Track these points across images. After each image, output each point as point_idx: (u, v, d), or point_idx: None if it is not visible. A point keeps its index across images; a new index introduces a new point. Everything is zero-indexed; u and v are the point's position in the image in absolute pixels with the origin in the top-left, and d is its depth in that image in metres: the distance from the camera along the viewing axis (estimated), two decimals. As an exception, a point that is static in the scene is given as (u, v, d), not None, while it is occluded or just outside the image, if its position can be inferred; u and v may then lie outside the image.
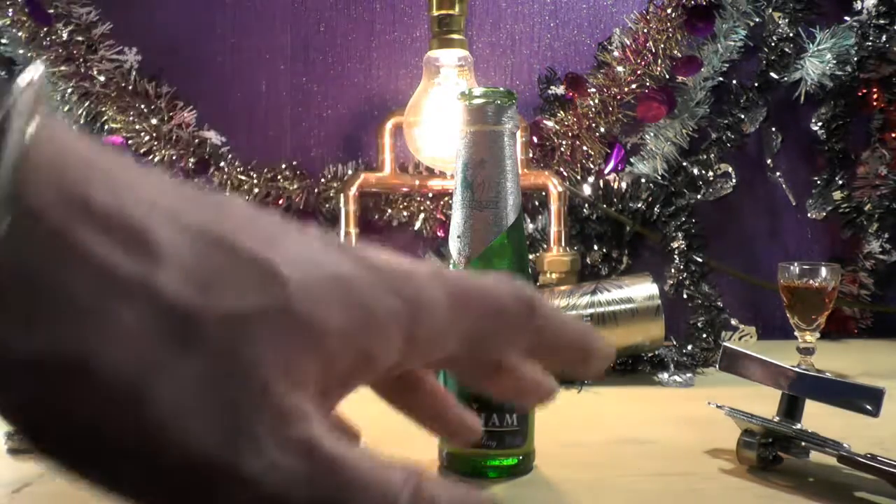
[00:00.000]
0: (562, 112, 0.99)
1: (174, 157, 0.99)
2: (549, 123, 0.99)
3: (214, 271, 0.19)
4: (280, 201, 1.01)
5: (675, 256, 0.95)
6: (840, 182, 1.01)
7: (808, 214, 1.03)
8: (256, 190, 1.00)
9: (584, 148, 0.99)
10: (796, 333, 0.78)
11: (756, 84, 0.99)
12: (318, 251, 0.21)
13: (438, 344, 0.23)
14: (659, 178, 0.99)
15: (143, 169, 0.20)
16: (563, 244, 0.90)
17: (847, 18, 0.98)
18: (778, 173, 1.03)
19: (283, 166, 1.01)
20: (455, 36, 0.86)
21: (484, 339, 0.24)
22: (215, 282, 0.19)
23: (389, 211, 1.02)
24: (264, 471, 0.18)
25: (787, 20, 0.98)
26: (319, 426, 0.20)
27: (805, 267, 0.77)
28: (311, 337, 0.20)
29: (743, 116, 1.00)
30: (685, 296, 0.93)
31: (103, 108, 0.99)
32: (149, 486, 0.18)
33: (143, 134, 0.98)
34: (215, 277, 0.19)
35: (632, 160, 1.00)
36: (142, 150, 0.98)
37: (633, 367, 0.79)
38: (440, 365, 0.27)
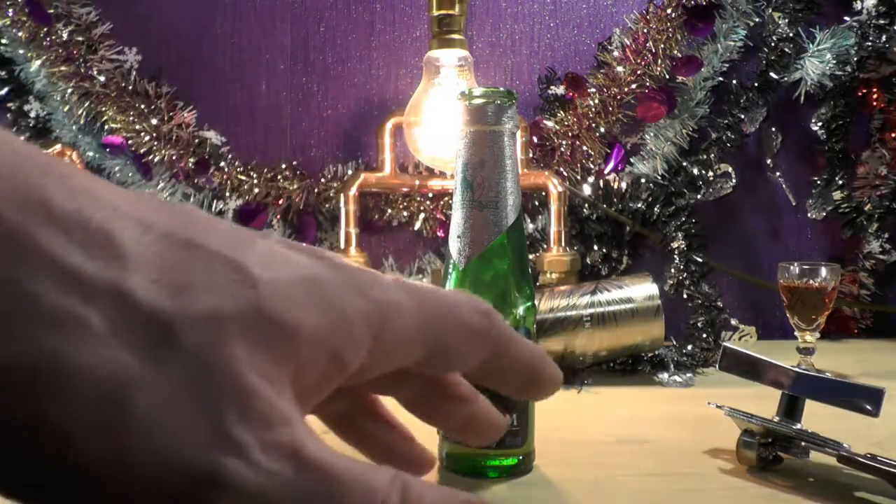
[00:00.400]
0: (562, 112, 0.99)
1: (174, 157, 0.99)
2: (549, 123, 0.99)
3: (184, 273, 0.18)
4: (280, 201, 1.01)
5: (675, 256, 0.95)
6: (840, 182, 1.01)
7: (808, 214, 1.03)
8: (256, 190, 1.00)
9: (584, 148, 0.99)
10: (796, 333, 0.78)
11: (756, 84, 0.99)
12: (285, 253, 0.21)
13: (405, 348, 0.23)
14: (659, 178, 0.99)
15: (99, 178, 0.19)
16: (563, 244, 0.90)
17: (847, 18, 0.98)
18: (778, 173, 1.03)
19: (283, 166, 1.01)
20: (455, 36, 0.86)
21: (445, 349, 0.24)
22: (186, 284, 0.18)
23: (389, 211, 1.02)
24: (250, 475, 0.18)
25: (787, 20, 0.98)
26: (302, 429, 0.19)
27: (805, 267, 0.77)
28: (285, 339, 0.19)
29: (743, 116, 0.99)
30: (685, 296, 0.93)
31: (103, 108, 0.99)
32: (124, 500, 0.17)
33: (143, 134, 0.98)
34: (185, 279, 0.18)
35: (632, 160, 1.00)
36: (142, 150, 0.98)
37: (633, 367, 0.79)
38: (396, 385, 0.27)
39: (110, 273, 0.17)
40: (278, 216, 1.01)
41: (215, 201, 1.00)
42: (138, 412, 0.17)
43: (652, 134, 0.99)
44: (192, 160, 0.99)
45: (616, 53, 0.98)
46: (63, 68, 0.98)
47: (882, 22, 0.97)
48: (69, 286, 0.17)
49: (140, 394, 0.17)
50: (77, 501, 0.17)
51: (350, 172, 1.00)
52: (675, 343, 0.82)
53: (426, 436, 0.48)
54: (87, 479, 0.17)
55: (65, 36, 0.98)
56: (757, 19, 0.98)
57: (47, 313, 0.16)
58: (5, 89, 1.02)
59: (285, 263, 0.21)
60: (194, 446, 0.17)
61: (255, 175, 1.00)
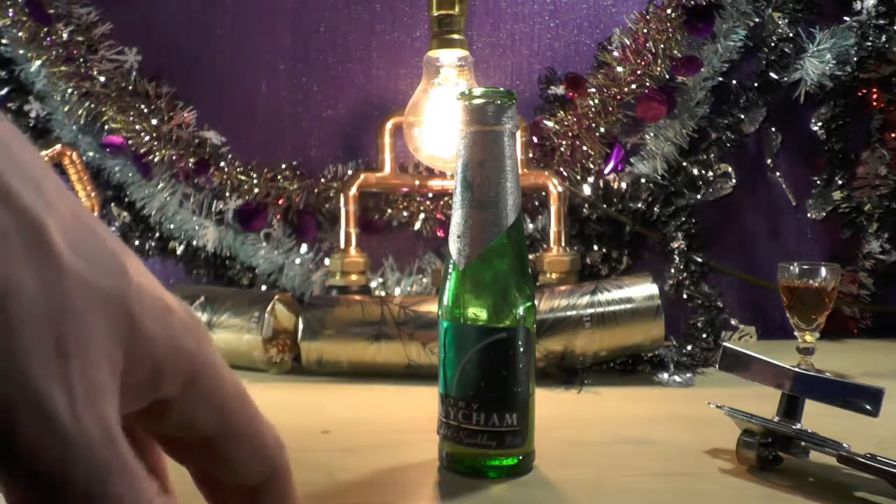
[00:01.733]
0: (562, 112, 0.99)
1: (174, 157, 0.99)
2: (549, 123, 0.99)
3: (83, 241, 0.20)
4: (280, 201, 1.01)
5: (675, 256, 0.95)
6: (840, 182, 1.01)
7: (808, 214, 1.03)
8: (256, 190, 1.00)
9: (584, 148, 0.99)
10: (796, 333, 0.78)
11: (756, 84, 0.99)
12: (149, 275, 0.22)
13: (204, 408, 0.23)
14: (659, 178, 0.99)
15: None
16: (563, 244, 0.90)
17: (847, 18, 0.98)
18: (778, 173, 1.03)
19: (283, 166, 1.01)
20: (455, 36, 0.86)
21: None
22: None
23: (389, 211, 1.02)
24: (68, 417, 0.18)
25: (786, 20, 0.98)
26: (116, 411, 0.20)
27: (805, 267, 0.77)
28: (133, 329, 0.20)
29: (743, 116, 1.00)
30: (685, 296, 0.93)
31: (103, 108, 0.99)
32: None
33: (143, 134, 0.98)
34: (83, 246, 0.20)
35: (632, 160, 1.00)
36: (142, 150, 0.98)
37: (633, 367, 0.79)
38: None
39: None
40: (278, 216, 1.01)
41: (215, 201, 1.01)
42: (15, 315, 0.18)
43: (652, 134, 0.99)
44: (192, 160, 0.99)
45: (616, 53, 0.98)
46: (63, 68, 0.98)
47: (882, 22, 0.97)
48: None
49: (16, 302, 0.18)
50: None
51: (350, 172, 1.00)
52: (675, 343, 0.82)
53: (425, 435, 0.48)
54: None
55: (65, 36, 0.98)
56: (757, 19, 0.98)
57: None
58: (5, 89, 1.02)
59: (152, 279, 0.22)
60: (34, 365, 0.18)
61: (255, 175, 1.00)
